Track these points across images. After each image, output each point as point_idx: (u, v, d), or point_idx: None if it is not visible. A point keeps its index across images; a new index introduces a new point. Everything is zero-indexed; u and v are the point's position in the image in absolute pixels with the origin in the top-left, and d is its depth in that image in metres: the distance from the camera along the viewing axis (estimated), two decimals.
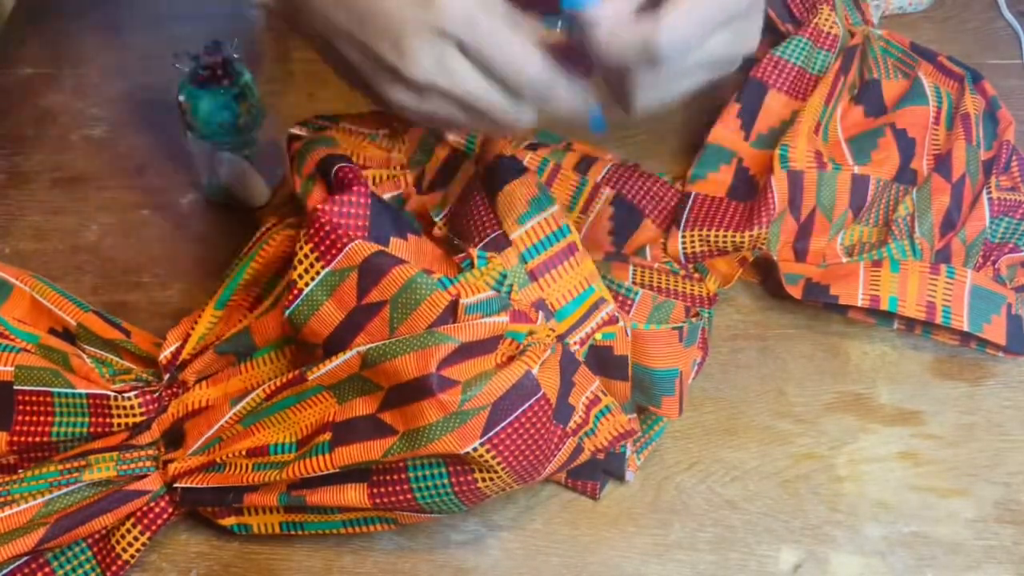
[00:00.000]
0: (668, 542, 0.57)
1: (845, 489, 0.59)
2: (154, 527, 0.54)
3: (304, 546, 0.57)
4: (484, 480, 0.49)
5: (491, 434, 0.48)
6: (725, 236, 0.66)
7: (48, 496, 0.52)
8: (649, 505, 0.59)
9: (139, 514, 0.54)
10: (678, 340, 0.57)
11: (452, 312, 0.49)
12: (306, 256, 0.50)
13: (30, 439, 0.54)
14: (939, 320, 0.62)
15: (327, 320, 0.51)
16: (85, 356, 0.56)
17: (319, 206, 0.50)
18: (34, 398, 0.54)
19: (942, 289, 0.63)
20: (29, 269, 0.68)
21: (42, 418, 0.54)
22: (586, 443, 0.55)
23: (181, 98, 0.63)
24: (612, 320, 0.55)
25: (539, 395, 0.49)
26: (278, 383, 0.52)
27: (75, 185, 0.73)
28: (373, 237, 0.51)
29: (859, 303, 0.63)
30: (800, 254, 0.68)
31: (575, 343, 0.55)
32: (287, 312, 0.51)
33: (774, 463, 0.60)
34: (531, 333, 0.52)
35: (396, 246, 0.51)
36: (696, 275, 0.66)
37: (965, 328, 0.62)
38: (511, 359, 0.50)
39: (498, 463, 0.48)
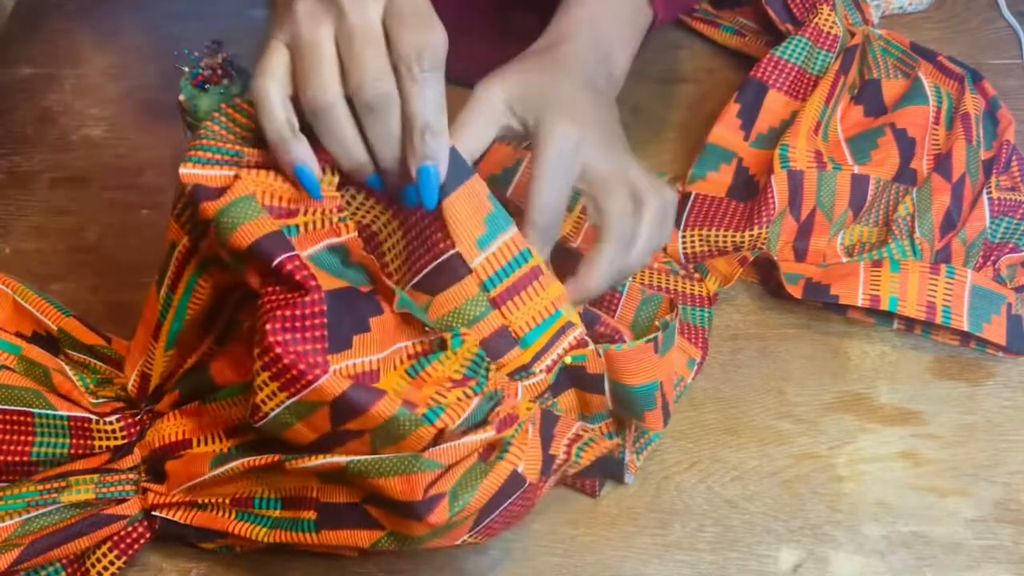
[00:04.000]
0: (668, 542, 0.57)
1: (845, 489, 0.59)
2: (130, 551, 0.54)
3: None
4: (466, 544, 0.50)
5: (479, 528, 0.49)
6: (725, 236, 0.66)
7: (25, 516, 0.51)
8: (649, 505, 0.59)
9: (116, 538, 0.54)
10: (653, 352, 0.54)
11: (437, 437, 0.46)
12: (265, 383, 0.44)
13: (9, 458, 0.53)
14: (939, 320, 0.62)
15: (300, 436, 0.46)
16: (68, 369, 0.55)
17: (267, 327, 0.43)
18: (14, 417, 0.53)
19: (942, 289, 0.63)
20: (29, 269, 0.69)
21: (22, 438, 0.53)
22: (570, 470, 0.55)
23: (181, 98, 0.63)
24: (581, 344, 0.52)
25: (525, 486, 0.49)
26: (256, 462, 0.49)
27: (75, 185, 0.73)
28: (335, 347, 0.44)
29: (859, 303, 0.63)
30: (800, 254, 0.68)
31: (541, 371, 0.52)
32: (255, 426, 0.47)
33: (774, 463, 0.60)
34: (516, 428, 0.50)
35: (360, 343, 0.46)
36: (696, 275, 0.66)
37: (965, 328, 0.62)
38: (493, 448, 0.49)
39: (483, 541, 0.50)
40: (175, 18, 0.84)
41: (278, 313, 0.43)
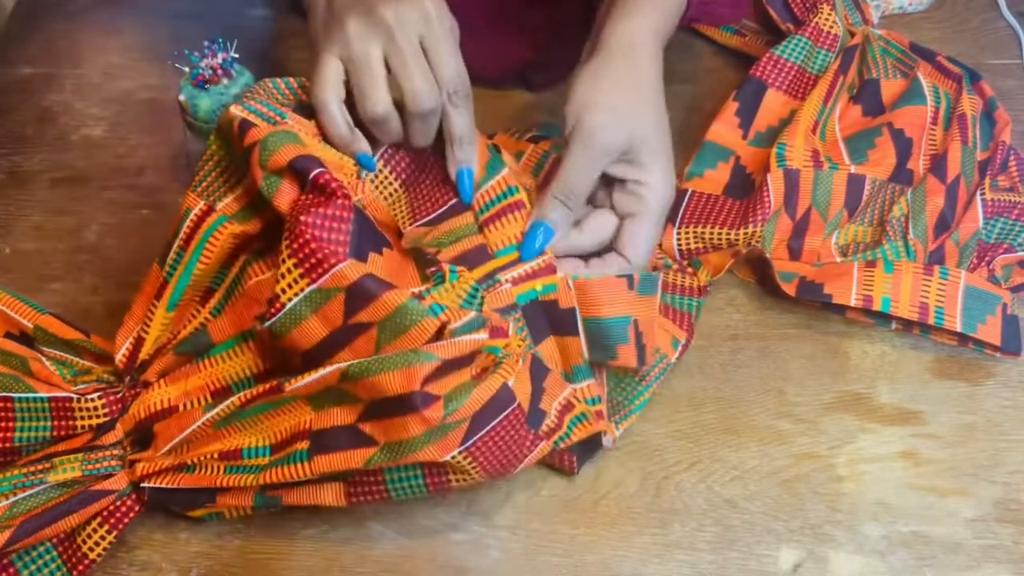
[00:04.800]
0: (668, 542, 0.57)
1: (845, 489, 0.59)
2: (120, 525, 0.55)
3: (304, 546, 0.57)
4: (458, 480, 0.52)
5: (469, 443, 0.50)
6: (720, 233, 0.66)
7: (12, 499, 0.51)
8: (649, 505, 0.59)
9: (105, 513, 0.54)
10: (627, 288, 0.57)
11: (438, 335, 0.50)
12: (289, 271, 0.49)
13: None
14: (932, 321, 0.62)
15: (310, 334, 0.50)
16: (44, 359, 0.55)
17: (302, 218, 0.49)
18: None
19: (935, 290, 0.63)
20: (29, 269, 0.69)
21: (3, 424, 0.54)
22: (560, 446, 0.57)
23: (181, 98, 0.63)
24: (550, 268, 0.56)
25: (514, 405, 0.51)
26: (253, 393, 0.52)
27: (75, 185, 0.73)
28: (354, 253, 0.50)
29: (852, 303, 0.63)
30: (795, 252, 0.68)
31: (507, 280, 0.56)
32: (267, 323, 0.50)
33: (774, 463, 0.60)
34: (506, 346, 0.53)
35: (374, 261, 0.51)
36: (689, 269, 0.66)
37: (958, 329, 0.62)
38: (486, 370, 0.52)
39: (473, 467, 0.51)
40: (175, 18, 0.84)
41: (312, 209, 0.49)
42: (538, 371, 0.56)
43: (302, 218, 0.49)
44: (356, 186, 0.55)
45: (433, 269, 0.53)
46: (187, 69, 0.63)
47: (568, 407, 0.58)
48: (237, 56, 0.64)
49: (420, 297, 0.51)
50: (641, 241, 0.58)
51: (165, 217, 0.71)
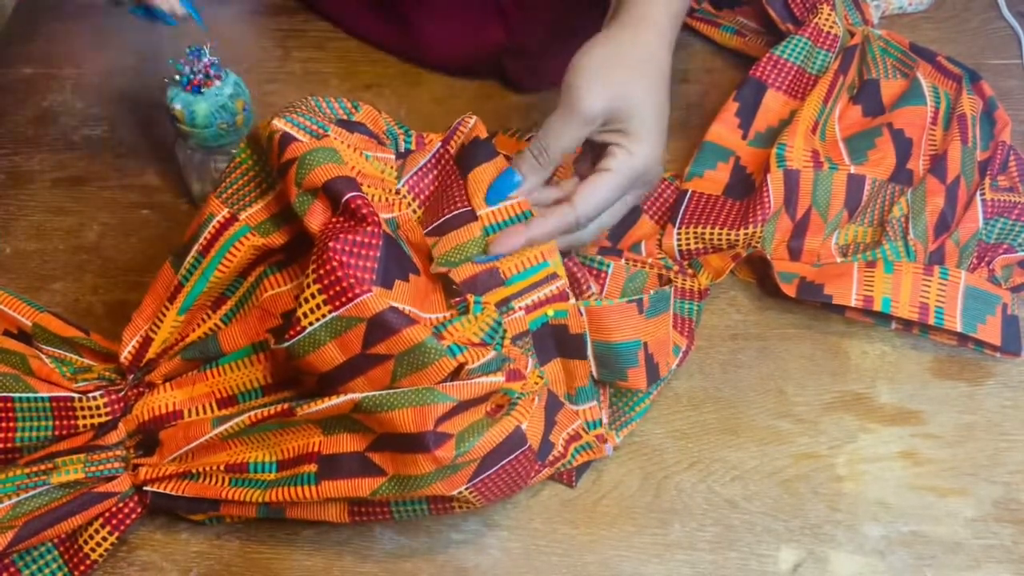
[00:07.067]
0: (668, 542, 0.57)
1: (845, 489, 0.59)
2: (123, 527, 0.55)
3: (304, 546, 0.57)
4: (460, 507, 0.53)
5: (477, 480, 0.51)
6: (720, 234, 0.66)
7: (15, 499, 0.51)
8: (649, 505, 0.59)
9: (107, 515, 0.54)
10: (637, 312, 0.57)
11: (455, 374, 0.49)
12: (312, 296, 0.49)
13: None
14: (932, 321, 0.62)
15: (327, 359, 0.50)
16: (44, 356, 0.55)
17: (331, 244, 0.48)
18: None
19: (935, 290, 0.63)
20: (29, 269, 0.69)
21: (4, 424, 0.54)
22: (562, 471, 0.58)
23: (177, 107, 0.63)
24: (563, 295, 0.56)
25: (525, 447, 0.52)
26: (264, 413, 0.52)
27: (75, 185, 0.73)
28: (380, 280, 0.49)
29: (852, 303, 0.63)
30: (795, 253, 0.68)
31: (520, 308, 0.56)
32: (286, 344, 0.50)
33: (774, 463, 0.60)
34: (522, 386, 0.53)
35: (399, 289, 0.51)
36: (689, 271, 0.66)
37: (958, 329, 0.62)
38: (500, 407, 0.52)
39: (477, 499, 0.52)
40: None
41: (342, 236, 0.49)
42: (552, 406, 0.57)
43: (330, 243, 0.48)
44: (395, 202, 0.56)
45: (458, 300, 0.53)
46: (177, 78, 0.63)
47: (575, 438, 0.58)
48: (217, 59, 0.64)
49: (443, 326, 0.51)
50: (592, 195, 0.56)
51: (165, 217, 0.71)
